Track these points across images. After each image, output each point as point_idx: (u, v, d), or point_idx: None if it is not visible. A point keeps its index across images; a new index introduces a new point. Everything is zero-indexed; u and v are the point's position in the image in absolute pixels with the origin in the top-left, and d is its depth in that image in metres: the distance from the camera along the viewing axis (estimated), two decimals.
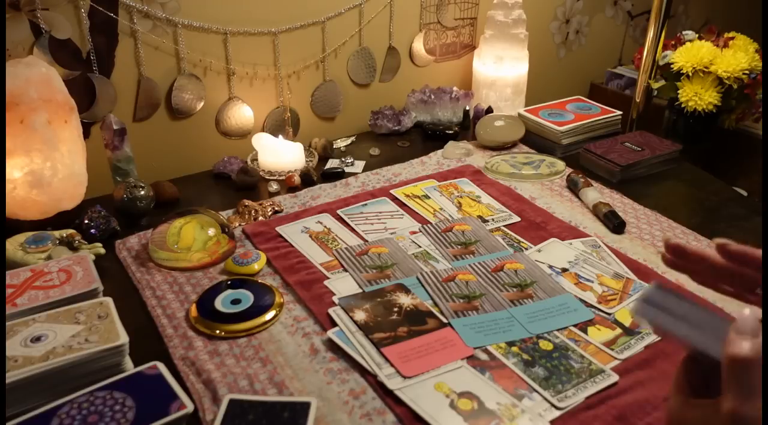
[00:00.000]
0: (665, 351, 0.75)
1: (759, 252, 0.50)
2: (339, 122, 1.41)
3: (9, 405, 0.63)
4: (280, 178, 1.17)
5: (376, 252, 0.93)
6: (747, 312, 0.45)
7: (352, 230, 1.00)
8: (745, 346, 0.43)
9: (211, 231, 0.92)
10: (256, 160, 1.21)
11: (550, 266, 0.90)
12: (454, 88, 1.42)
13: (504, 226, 1.01)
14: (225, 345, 0.76)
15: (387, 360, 0.72)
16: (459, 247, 0.95)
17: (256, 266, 0.89)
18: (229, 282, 0.85)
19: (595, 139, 1.31)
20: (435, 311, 0.81)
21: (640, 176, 1.20)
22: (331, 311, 0.80)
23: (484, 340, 0.76)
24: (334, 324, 0.78)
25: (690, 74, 1.32)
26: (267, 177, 1.17)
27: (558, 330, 0.78)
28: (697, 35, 1.41)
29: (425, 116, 1.41)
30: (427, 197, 1.10)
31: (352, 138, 1.36)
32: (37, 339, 0.67)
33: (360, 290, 0.85)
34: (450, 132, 1.35)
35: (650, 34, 1.39)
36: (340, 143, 1.32)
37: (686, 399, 0.48)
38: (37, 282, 0.79)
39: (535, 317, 0.80)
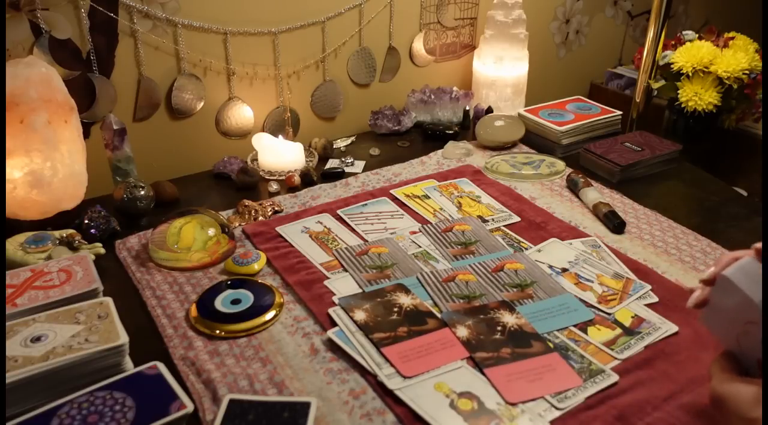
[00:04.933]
0: (665, 350, 0.75)
1: None
2: (339, 122, 1.41)
3: (9, 405, 0.63)
4: (280, 178, 1.17)
5: (376, 252, 0.93)
6: None
7: (352, 230, 1.00)
8: None
9: (211, 231, 0.92)
10: (256, 160, 1.21)
11: (550, 266, 0.90)
12: (454, 88, 1.42)
13: (504, 226, 1.01)
14: (225, 345, 0.76)
15: (387, 360, 0.72)
16: (459, 247, 0.95)
17: (256, 266, 0.89)
18: (229, 282, 0.85)
19: (595, 139, 1.31)
20: (435, 311, 0.81)
21: (640, 176, 1.20)
22: (331, 311, 0.80)
23: None
24: (334, 324, 0.78)
25: (690, 74, 1.32)
26: (267, 177, 1.17)
27: (558, 330, 0.78)
28: (697, 35, 1.41)
29: (425, 116, 1.41)
30: (427, 197, 1.10)
31: (352, 138, 1.36)
32: (37, 339, 0.67)
33: (360, 290, 0.85)
34: (450, 132, 1.35)
35: (650, 34, 1.39)
36: (340, 143, 1.32)
37: (733, 376, 0.49)
38: (37, 282, 0.79)
39: (535, 318, 0.80)
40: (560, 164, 1.21)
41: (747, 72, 1.29)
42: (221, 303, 0.81)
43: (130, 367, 0.70)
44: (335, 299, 0.83)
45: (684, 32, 1.44)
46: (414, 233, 0.99)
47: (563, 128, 1.29)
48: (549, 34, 1.67)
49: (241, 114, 1.26)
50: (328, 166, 1.22)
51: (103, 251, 0.92)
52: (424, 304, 0.82)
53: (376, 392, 0.69)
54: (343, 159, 1.23)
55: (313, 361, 0.74)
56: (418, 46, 1.44)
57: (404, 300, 0.82)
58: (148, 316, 0.82)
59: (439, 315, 0.80)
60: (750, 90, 1.33)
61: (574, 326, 0.79)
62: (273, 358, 0.74)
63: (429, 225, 1.01)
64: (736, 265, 0.53)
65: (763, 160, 1.37)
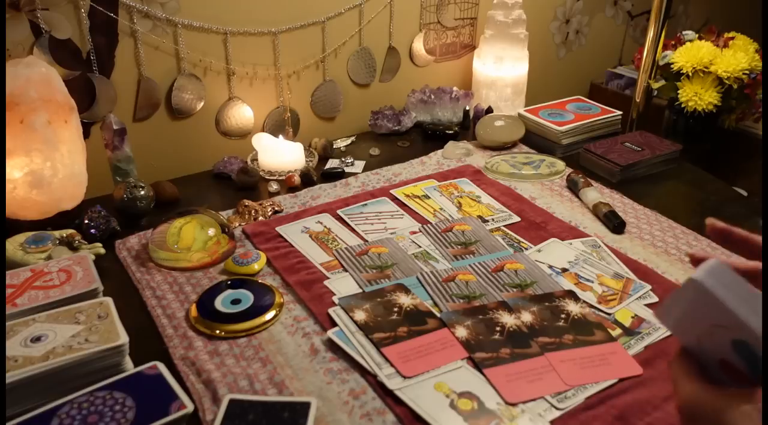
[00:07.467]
0: (665, 350, 0.75)
1: (759, 239, 0.50)
2: (339, 122, 1.41)
3: (9, 405, 0.63)
4: (280, 178, 1.17)
5: (376, 252, 0.93)
6: None
7: (352, 230, 1.00)
8: None
9: (211, 231, 0.92)
10: (256, 160, 1.21)
11: (550, 266, 0.90)
12: (454, 88, 1.42)
13: (504, 226, 1.01)
14: (225, 345, 0.76)
15: (387, 360, 0.72)
16: (459, 247, 0.95)
17: (256, 266, 0.89)
18: (229, 282, 0.85)
19: (595, 139, 1.31)
20: (435, 311, 0.81)
21: (640, 176, 1.20)
22: (331, 311, 0.80)
23: None
24: (334, 324, 0.78)
25: (690, 74, 1.32)
26: (267, 177, 1.17)
27: None
28: (697, 35, 1.41)
29: (425, 116, 1.41)
30: (427, 197, 1.10)
31: (352, 138, 1.36)
32: (37, 339, 0.67)
33: (360, 290, 0.85)
34: (450, 132, 1.35)
35: (650, 34, 1.39)
36: (340, 143, 1.32)
37: (705, 386, 0.47)
38: (37, 282, 0.79)
39: None
40: (560, 164, 1.21)
41: (747, 72, 1.29)
42: (221, 303, 0.81)
43: (130, 367, 0.70)
44: (335, 299, 0.83)
45: (684, 32, 1.44)
46: (414, 233, 0.99)
47: (563, 128, 1.29)
48: (549, 34, 1.67)
49: (241, 114, 1.26)
50: (328, 166, 1.22)
51: (103, 251, 0.92)
52: (424, 304, 0.82)
53: (376, 392, 0.69)
54: (343, 159, 1.23)
55: (313, 361, 0.74)
56: (418, 46, 1.45)
57: (404, 300, 0.82)
58: (148, 316, 0.82)
59: (439, 315, 0.80)
60: (750, 90, 1.33)
61: None
62: (273, 358, 0.74)
63: (429, 225, 1.01)
64: (705, 269, 0.50)
65: (763, 160, 1.37)
